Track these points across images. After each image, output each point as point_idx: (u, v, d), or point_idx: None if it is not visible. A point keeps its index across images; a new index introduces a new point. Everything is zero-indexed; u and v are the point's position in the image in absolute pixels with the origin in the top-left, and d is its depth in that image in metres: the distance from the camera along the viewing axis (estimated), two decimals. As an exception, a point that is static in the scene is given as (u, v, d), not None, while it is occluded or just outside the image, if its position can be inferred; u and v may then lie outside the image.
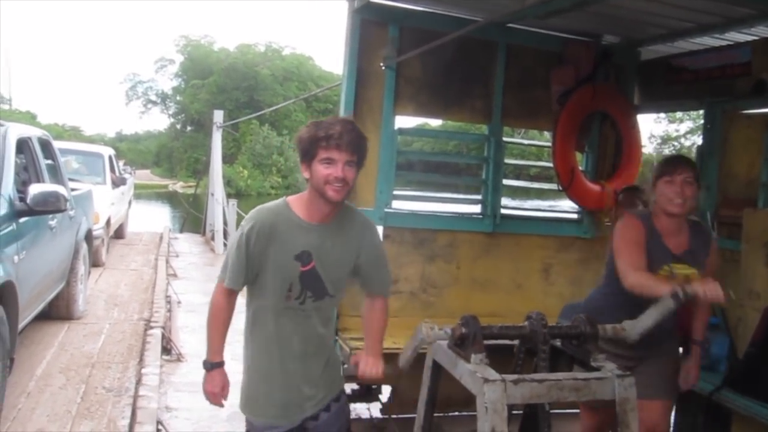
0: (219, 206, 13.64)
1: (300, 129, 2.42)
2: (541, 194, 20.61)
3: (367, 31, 4.27)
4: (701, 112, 4.46)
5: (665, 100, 4.93)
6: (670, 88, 4.70)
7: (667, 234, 3.00)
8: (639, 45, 4.80)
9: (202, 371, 2.56)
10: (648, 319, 2.65)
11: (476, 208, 4.80)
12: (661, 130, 37.04)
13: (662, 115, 28.90)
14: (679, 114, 30.78)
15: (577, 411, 3.43)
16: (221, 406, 2.59)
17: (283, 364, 2.48)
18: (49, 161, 6.16)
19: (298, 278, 2.41)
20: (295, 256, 2.39)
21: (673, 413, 4.22)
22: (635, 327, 2.66)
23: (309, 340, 2.50)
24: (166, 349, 6.13)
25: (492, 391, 2.23)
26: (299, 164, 2.42)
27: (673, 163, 3.01)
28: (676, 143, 35.94)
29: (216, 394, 2.54)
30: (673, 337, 3.14)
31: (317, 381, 2.54)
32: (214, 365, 2.52)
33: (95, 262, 8.72)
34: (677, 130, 36.55)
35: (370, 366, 2.58)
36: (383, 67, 4.32)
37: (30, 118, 42.14)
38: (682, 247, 3.01)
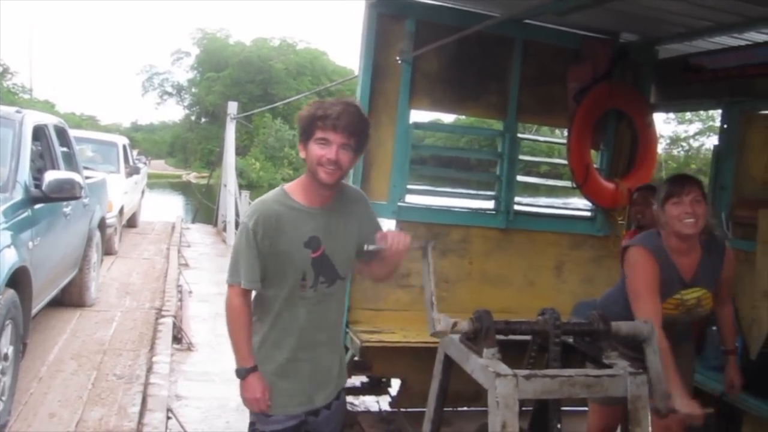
0: (231, 197, 13.68)
1: (303, 107, 2.37)
2: (551, 192, 20.51)
3: (384, 25, 4.27)
4: (712, 113, 4.44)
5: (682, 100, 4.90)
6: (687, 87, 4.66)
7: (679, 256, 2.95)
8: (657, 43, 4.76)
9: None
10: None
11: (490, 204, 4.78)
12: (670, 131, 36.73)
13: (672, 115, 28.56)
14: (688, 115, 30.47)
15: (587, 409, 3.42)
16: (268, 411, 2.42)
17: (297, 354, 2.42)
18: (65, 149, 6.20)
19: (311, 265, 2.36)
20: (304, 243, 2.34)
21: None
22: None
23: (323, 329, 2.45)
24: (177, 338, 6.16)
25: (504, 386, 2.23)
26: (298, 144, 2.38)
27: (679, 183, 2.94)
28: (684, 144, 35.68)
29: (258, 400, 2.39)
30: (689, 338, 3.12)
31: (328, 373, 2.50)
32: (247, 371, 2.40)
33: (108, 251, 8.79)
34: (686, 131, 36.23)
35: (398, 238, 2.36)
36: (399, 61, 4.31)
37: (49, 108, 42.25)
38: (693, 268, 2.97)
